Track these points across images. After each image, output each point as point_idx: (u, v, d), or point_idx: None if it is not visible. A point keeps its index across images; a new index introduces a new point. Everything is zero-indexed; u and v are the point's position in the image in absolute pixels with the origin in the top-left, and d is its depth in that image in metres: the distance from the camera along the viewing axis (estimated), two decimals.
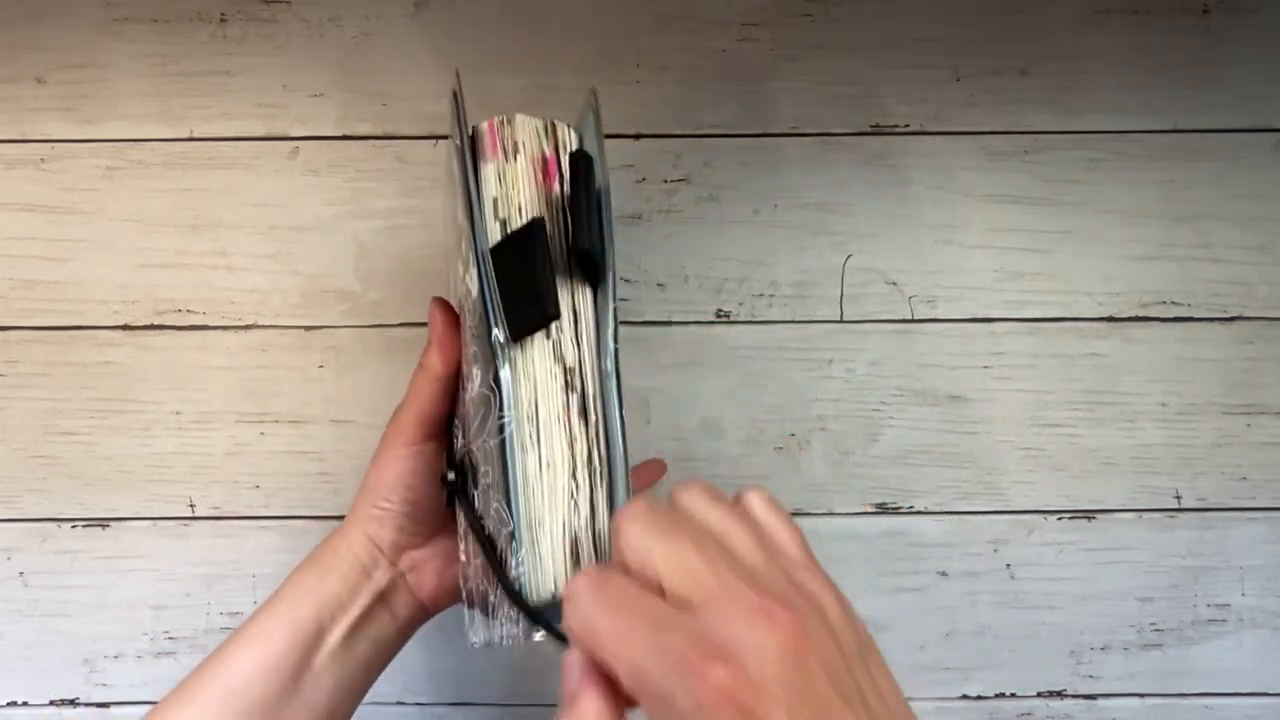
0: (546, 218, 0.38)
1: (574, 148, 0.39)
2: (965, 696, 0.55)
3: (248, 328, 0.54)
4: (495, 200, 0.38)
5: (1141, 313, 0.55)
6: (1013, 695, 0.55)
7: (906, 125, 0.54)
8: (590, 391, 0.37)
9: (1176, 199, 0.54)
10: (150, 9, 0.54)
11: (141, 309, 0.54)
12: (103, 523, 0.54)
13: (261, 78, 0.54)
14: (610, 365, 0.38)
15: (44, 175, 0.54)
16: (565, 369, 0.37)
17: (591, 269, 0.38)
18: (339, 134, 0.54)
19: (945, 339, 0.54)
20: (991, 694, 0.55)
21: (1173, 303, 0.55)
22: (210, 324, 0.54)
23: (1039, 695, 0.55)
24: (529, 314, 0.36)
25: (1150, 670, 0.55)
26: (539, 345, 0.36)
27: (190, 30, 0.54)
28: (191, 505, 0.55)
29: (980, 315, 0.54)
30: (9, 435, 0.54)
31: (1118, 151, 0.54)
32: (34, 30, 0.54)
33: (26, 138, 0.54)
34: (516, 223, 0.37)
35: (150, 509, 0.54)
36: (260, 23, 0.54)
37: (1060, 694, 0.55)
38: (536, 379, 0.36)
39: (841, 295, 0.54)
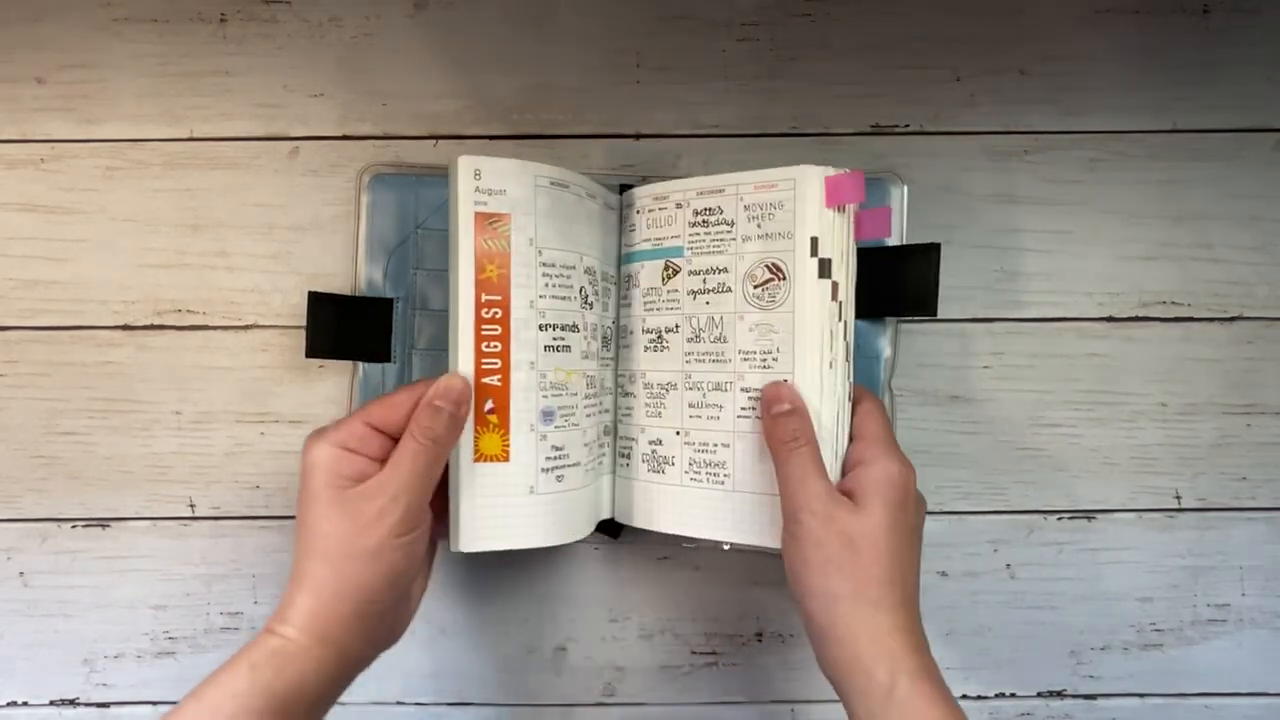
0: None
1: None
2: (965, 696, 0.55)
3: (248, 328, 0.54)
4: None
5: (1141, 313, 0.55)
6: (1013, 695, 0.55)
7: (906, 125, 0.54)
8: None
9: (1176, 199, 0.54)
10: (150, 9, 0.54)
11: (141, 309, 0.54)
12: (103, 523, 0.54)
13: (261, 78, 0.54)
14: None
15: (44, 175, 0.54)
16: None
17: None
18: (339, 134, 0.54)
19: (945, 339, 0.54)
20: (991, 694, 0.55)
21: (1173, 303, 0.55)
22: (210, 324, 0.54)
23: (1039, 695, 0.55)
24: None
25: (1150, 670, 0.55)
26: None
27: (190, 30, 0.54)
28: (191, 505, 0.55)
29: (980, 315, 0.54)
30: (9, 435, 0.54)
31: (1118, 151, 0.54)
32: (34, 30, 0.54)
33: (26, 138, 0.54)
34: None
35: (150, 509, 0.54)
36: (260, 23, 0.54)
37: (1060, 694, 0.55)
38: None
39: None
